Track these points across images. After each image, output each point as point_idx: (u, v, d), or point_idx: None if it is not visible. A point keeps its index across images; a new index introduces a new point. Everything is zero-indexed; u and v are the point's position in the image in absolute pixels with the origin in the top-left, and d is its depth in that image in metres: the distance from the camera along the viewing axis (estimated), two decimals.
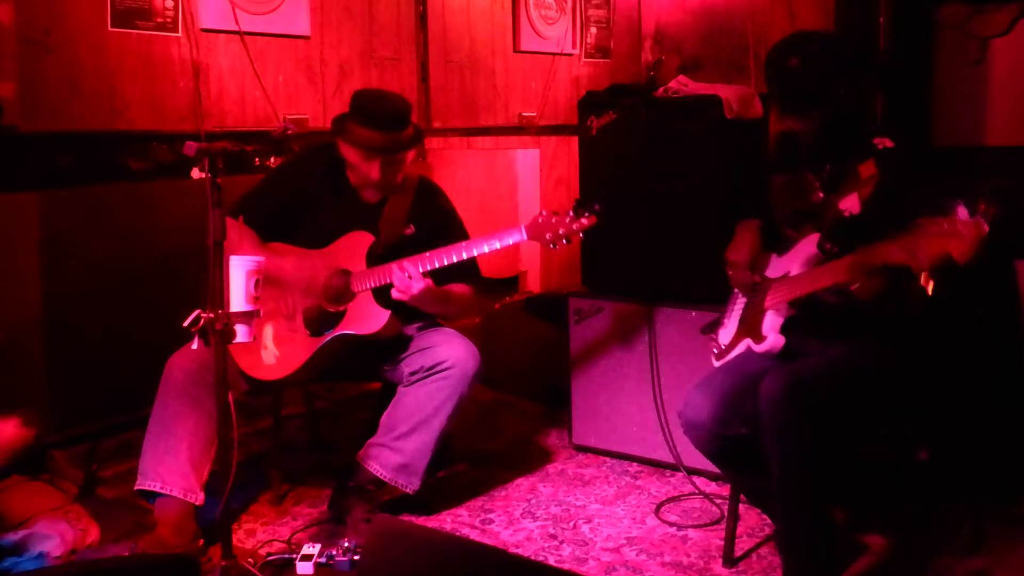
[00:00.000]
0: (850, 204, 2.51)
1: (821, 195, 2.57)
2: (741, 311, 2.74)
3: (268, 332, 3.00)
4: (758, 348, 2.60)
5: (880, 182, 2.47)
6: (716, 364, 2.72)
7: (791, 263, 2.61)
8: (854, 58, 2.54)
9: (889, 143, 2.53)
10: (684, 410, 2.56)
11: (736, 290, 2.80)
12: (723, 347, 2.73)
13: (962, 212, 2.06)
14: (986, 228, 2.03)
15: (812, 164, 2.59)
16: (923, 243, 2.08)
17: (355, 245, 3.01)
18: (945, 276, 2.15)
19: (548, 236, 2.79)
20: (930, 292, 2.27)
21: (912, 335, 2.57)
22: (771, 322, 2.60)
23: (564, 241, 2.79)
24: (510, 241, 2.85)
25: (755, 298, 2.68)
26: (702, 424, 2.49)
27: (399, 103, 3.06)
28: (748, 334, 2.64)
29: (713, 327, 2.83)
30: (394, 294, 2.87)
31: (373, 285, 2.93)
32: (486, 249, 2.87)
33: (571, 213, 2.79)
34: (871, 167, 2.50)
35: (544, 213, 2.82)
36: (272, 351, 2.98)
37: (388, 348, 3.04)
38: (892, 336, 2.52)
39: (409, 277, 2.85)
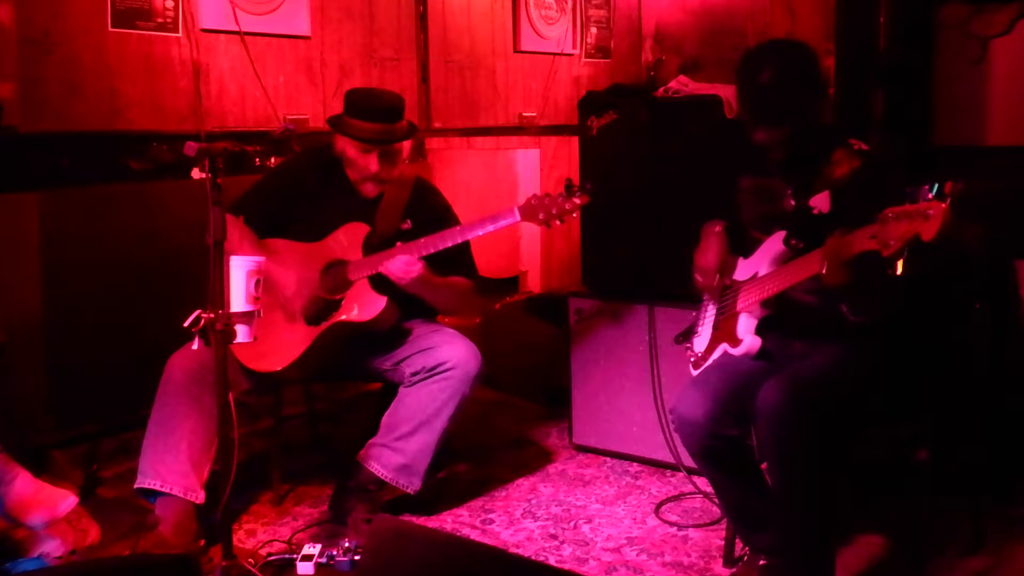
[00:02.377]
0: (820, 203, 2.51)
1: (793, 203, 2.56)
2: (713, 317, 2.73)
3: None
4: (735, 351, 2.58)
5: (851, 181, 2.47)
6: (694, 373, 2.70)
7: (759, 263, 2.60)
8: (819, 68, 2.53)
9: (864, 146, 2.53)
10: (677, 405, 2.55)
11: (706, 296, 2.80)
12: (699, 355, 2.72)
13: (925, 193, 2.06)
14: (946, 205, 2.01)
15: (783, 170, 2.59)
16: (891, 227, 2.07)
17: (352, 235, 3.03)
18: (915, 258, 2.15)
19: (541, 216, 2.81)
20: (899, 272, 2.27)
21: (898, 332, 2.57)
22: (745, 324, 2.59)
23: (558, 221, 2.81)
24: (503, 223, 2.86)
25: (726, 302, 2.68)
26: (695, 421, 2.48)
27: (392, 97, 3.12)
28: (724, 339, 2.63)
29: (687, 335, 2.82)
30: (387, 273, 2.87)
31: (369, 273, 2.94)
32: (480, 232, 2.89)
33: (563, 193, 2.81)
34: (844, 167, 2.50)
35: (537, 194, 2.85)
36: (282, 340, 2.99)
37: (386, 341, 3.04)
38: (875, 335, 2.51)
39: (406, 262, 2.86)
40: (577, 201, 2.80)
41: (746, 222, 2.70)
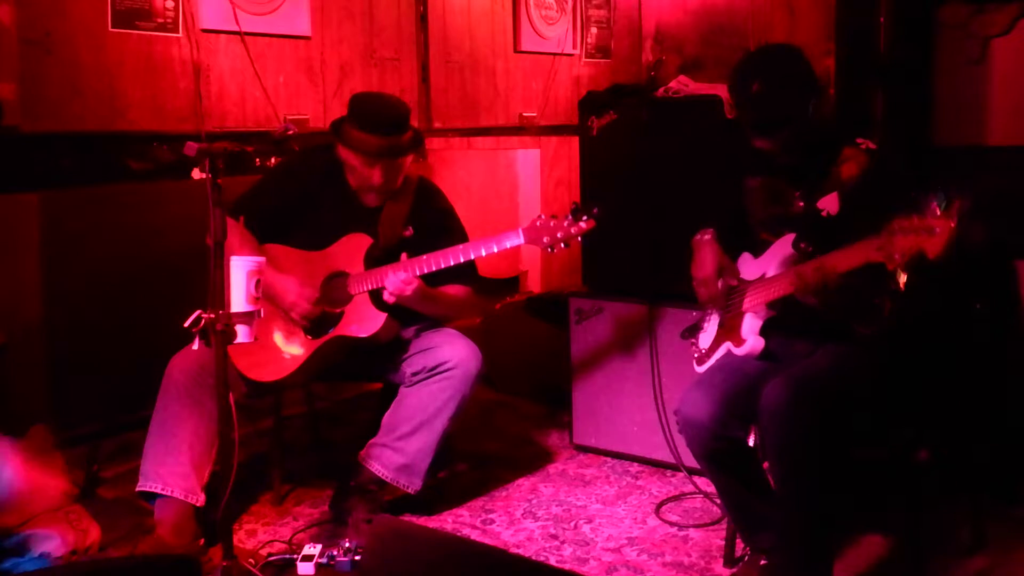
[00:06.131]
0: (829, 204, 2.50)
1: (801, 204, 2.56)
2: (719, 314, 2.73)
3: (271, 333, 3.01)
4: (738, 351, 2.58)
5: (860, 183, 2.47)
6: (698, 369, 2.70)
7: (767, 264, 2.59)
8: (812, 70, 2.52)
9: (872, 145, 2.52)
10: (681, 407, 2.55)
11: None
12: (703, 351, 2.72)
13: (934, 208, 2.06)
14: (954, 223, 2.02)
15: (789, 172, 2.58)
16: (897, 240, 2.07)
17: (353, 247, 3.01)
18: (919, 272, 2.16)
19: (546, 240, 2.78)
20: (903, 286, 2.28)
21: (902, 336, 2.57)
22: (750, 325, 2.58)
23: (562, 245, 2.78)
24: (507, 244, 2.84)
25: (732, 301, 2.67)
26: (700, 423, 2.48)
27: (399, 107, 3.07)
28: (728, 337, 2.62)
29: (693, 331, 2.81)
30: (385, 296, 2.88)
31: (370, 287, 2.94)
32: (483, 252, 2.87)
33: (569, 217, 2.78)
34: (852, 168, 2.49)
35: (542, 217, 2.81)
36: (280, 350, 2.98)
37: (386, 351, 3.04)
38: (879, 338, 2.51)
39: (402, 280, 2.85)
40: (583, 226, 2.75)
41: (755, 223, 2.69)
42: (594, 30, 5.70)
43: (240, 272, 2.44)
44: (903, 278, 2.26)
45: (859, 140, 2.53)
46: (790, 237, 2.53)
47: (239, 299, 2.43)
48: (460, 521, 3.11)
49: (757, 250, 2.66)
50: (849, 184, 2.48)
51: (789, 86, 2.46)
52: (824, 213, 2.50)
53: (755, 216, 2.69)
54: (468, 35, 5.01)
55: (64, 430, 3.37)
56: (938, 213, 2.04)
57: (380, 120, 2.97)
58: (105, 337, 3.44)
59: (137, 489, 2.86)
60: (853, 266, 2.23)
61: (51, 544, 2.71)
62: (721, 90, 3.31)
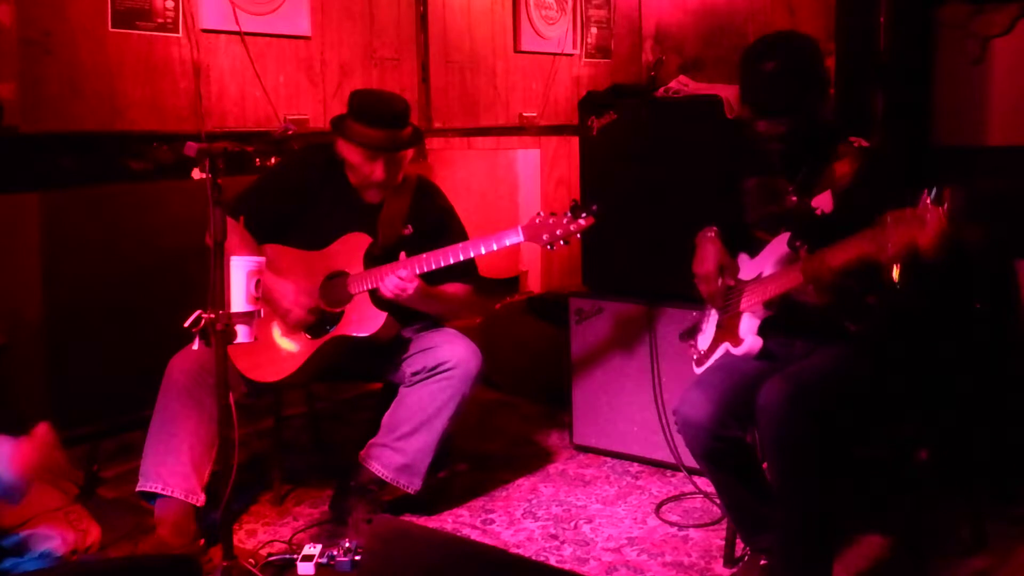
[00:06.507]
0: (823, 203, 2.50)
1: (795, 199, 2.56)
2: (718, 315, 2.73)
3: (271, 332, 3.01)
4: (736, 351, 2.58)
5: (854, 181, 2.47)
6: (697, 370, 2.70)
7: (764, 263, 2.60)
8: (824, 65, 2.51)
9: (864, 143, 2.52)
10: (681, 407, 2.55)
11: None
12: (702, 352, 2.72)
13: (926, 199, 2.06)
14: (946, 220, 2.01)
15: (785, 167, 2.58)
16: (890, 232, 2.08)
17: (353, 246, 3.01)
18: (912, 267, 2.16)
19: (545, 237, 2.79)
20: (896, 280, 2.28)
21: (901, 335, 2.57)
22: (748, 324, 2.58)
23: (561, 242, 2.78)
24: (507, 242, 2.85)
25: (730, 301, 2.67)
26: (699, 423, 2.48)
27: (398, 102, 3.08)
28: (726, 337, 2.62)
29: (692, 333, 2.81)
30: (385, 294, 2.87)
31: (370, 287, 2.94)
32: (483, 251, 2.87)
33: (568, 214, 2.78)
34: (846, 166, 2.49)
35: (541, 214, 2.81)
36: (280, 350, 2.98)
37: (386, 351, 3.04)
38: (877, 337, 2.51)
39: (402, 279, 2.85)
40: (583, 223, 2.76)
41: (751, 223, 2.70)
42: (594, 30, 5.70)
43: (240, 272, 2.44)
44: (896, 271, 2.26)
45: (851, 138, 2.53)
46: (785, 236, 2.54)
47: (239, 299, 2.43)
48: (460, 521, 3.11)
49: (754, 250, 2.66)
50: (842, 183, 2.48)
51: (805, 71, 2.45)
52: (818, 212, 2.50)
53: (751, 216, 2.70)
54: (468, 35, 5.01)
55: (64, 430, 3.36)
56: (928, 202, 2.05)
57: (382, 114, 2.98)
58: (105, 337, 3.44)
59: (137, 489, 2.86)
60: (847, 260, 2.23)
61: (51, 544, 2.70)
62: (721, 90, 3.31)
